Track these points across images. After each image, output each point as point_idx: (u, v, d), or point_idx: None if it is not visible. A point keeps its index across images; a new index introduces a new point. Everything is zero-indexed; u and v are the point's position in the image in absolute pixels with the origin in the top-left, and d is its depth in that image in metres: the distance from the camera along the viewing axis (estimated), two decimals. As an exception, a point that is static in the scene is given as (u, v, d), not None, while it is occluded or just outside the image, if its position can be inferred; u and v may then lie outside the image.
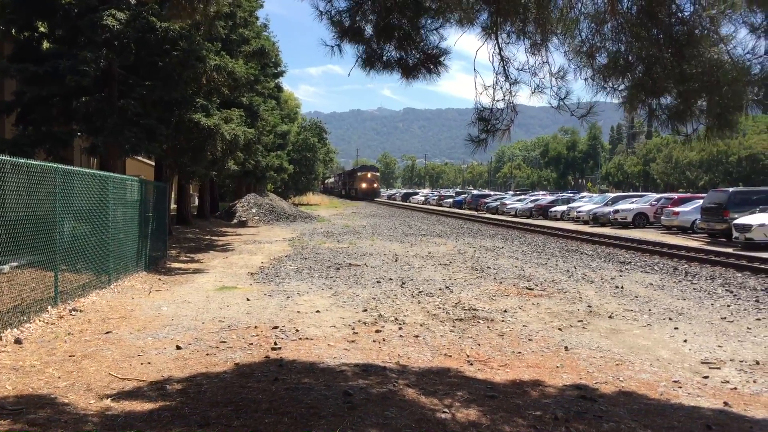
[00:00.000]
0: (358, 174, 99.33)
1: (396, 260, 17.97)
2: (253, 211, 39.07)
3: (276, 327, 9.28)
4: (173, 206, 32.12)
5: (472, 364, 7.51)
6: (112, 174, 13.61)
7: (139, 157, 35.28)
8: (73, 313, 9.93)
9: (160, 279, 14.41)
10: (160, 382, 6.53)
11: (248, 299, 11.71)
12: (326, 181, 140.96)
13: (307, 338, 8.67)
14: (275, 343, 8.27)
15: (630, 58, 5.86)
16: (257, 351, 7.94)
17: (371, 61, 6.99)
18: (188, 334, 8.79)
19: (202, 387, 6.38)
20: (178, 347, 8.01)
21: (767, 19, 5.24)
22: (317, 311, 10.58)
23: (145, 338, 8.54)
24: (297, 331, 9.08)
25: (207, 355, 7.71)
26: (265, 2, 33.63)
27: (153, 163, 28.86)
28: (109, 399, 5.97)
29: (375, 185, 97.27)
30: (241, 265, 17.25)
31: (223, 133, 19.88)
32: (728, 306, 11.37)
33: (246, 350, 7.97)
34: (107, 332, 8.81)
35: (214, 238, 26.87)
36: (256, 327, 9.31)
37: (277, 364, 7.32)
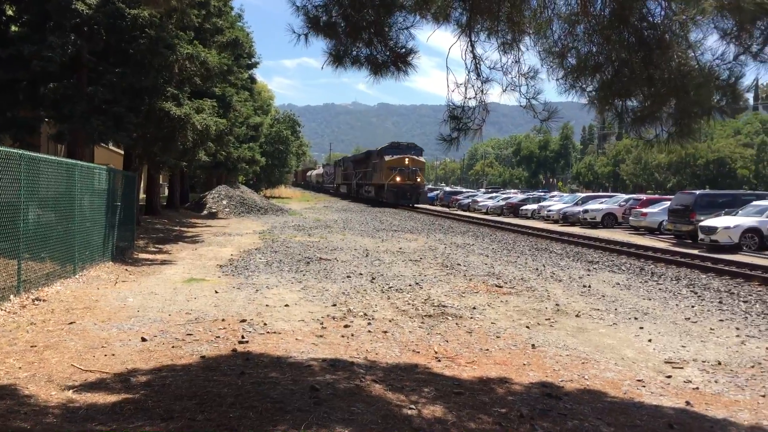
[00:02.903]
0: (387, 159, 52.63)
1: (366, 255, 17.96)
2: (224, 202, 38.75)
3: (244, 320, 9.22)
4: (142, 196, 31.73)
5: (439, 361, 7.54)
6: (79, 162, 13.37)
7: (108, 146, 34.77)
8: (36, 302, 9.75)
9: (126, 269, 14.22)
10: (123, 375, 6.44)
11: (216, 292, 11.61)
12: (309, 174, 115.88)
13: (275, 332, 8.62)
14: (243, 337, 8.21)
15: (600, 59, 5.91)
16: (224, 344, 7.88)
17: (340, 57, 6.97)
18: (154, 326, 8.69)
19: (166, 380, 6.30)
20: (144, 339, 7.92)
21: (737, 26, 5.32)
22: (286, 305, 10.53)
23: (109, 329, 8.42)
24: (265, 324, 9.02)
25: (173, 347, 7.63)
26: (241, -8, 33.36)
27: (122, 152, 28.44)
28: (71, 391, 5.87)
29: (418, 179, 52.71)
30: (210, 257, 17.09)
31: (194, 123, 19.66)
32: (692, 307, 11.57)
33: (213, 343, 7.90)
34: (71, 323, 8.67)
35: (183, 229, 26.58)
36: (223, 320, 9.23)
37: (244, 357, 7.27)
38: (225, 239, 22.39)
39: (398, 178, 51.64)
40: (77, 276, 12.34)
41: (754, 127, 79.61)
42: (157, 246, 19.45)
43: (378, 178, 55.05)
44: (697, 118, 5.39)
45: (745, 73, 5.61)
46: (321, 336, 8.53)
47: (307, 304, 10.77)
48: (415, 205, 51.92)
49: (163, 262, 15.76)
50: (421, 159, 54.92)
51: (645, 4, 5.18)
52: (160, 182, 37.08)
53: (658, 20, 5.27)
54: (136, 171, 24.13)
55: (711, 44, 5.47)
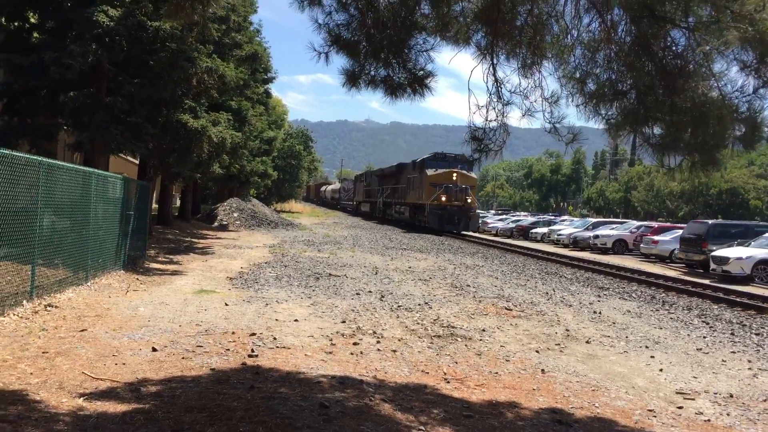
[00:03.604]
0: (430, 173, 42.15)
1: (376, 273, 17.94)
2: (235, 215, 38.89)
3: (254, 334, 9.22)
4: (155, 206, 31.89)
5: (448, 382, 7.50)
6: (95, 170, 13.48)
7: (123, 155, 35.03)
8: (49, 308, 9.79)
9: (138, 279, 14.27)
10: (134, 384, 6.45)
11: (226, 304, 11.62)
12: (324, 189, 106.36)
13: (284, 347, 8.61)
14: (252, 350, 8.21)
15: (622, 86, 5.94)
16: (234, 357, 7.88)
17: (355, 77, 7.03)
18: (165, 337, 8.70)
19: (176, 391, 6.30)
20: (154, 349, 7.93)
21: (758, 58, 5.34)
22: (295, 320, 10.52)
23: (120, 338, 8.44)
24: (275, 339, 9.02)
25: (183, 358, 7.63)
26: (259, 8, 33.75)
27: (137, 162, 28.65)
28: (82, 398, 5.88)
29: (469, 199, 41.79)
30: (220, 269, 17.13)
31: (210, 135, 19.79)
32: (704, 337, 11.48)
33: (222, 356, 7.90)
34: (82, 330, 8.69)
35: (194, 240, 26.67)
36: (233, 333, 9.24)
37: (254, 371, 7.27)
38: (235, 252, 22.45)
39: (443, 198, 40.67)
40: (89, 283, 12.40)
41: (767, 158, 79.30)
42: (168, 256, 19.52)
43: (415, 197, 44.51)
44: (718, 149, 5.39)
45: (765, 106, 5.63)
46: (330, 353, 8.52)
47: (317, 319, 10.76)
48: (466, 232, 42.22)
49: (174, 273, 15.81)
50: (473, 175, 43.65)
51: (668, 33, 5.21)
52: (173, 193, 37.29)
53: (681, 49, 5.29)
54: (151, 181, 24.28)
55: (732, 76, 5.50)
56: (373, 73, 7.10)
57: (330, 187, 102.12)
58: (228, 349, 8.24)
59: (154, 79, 17.81)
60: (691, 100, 5.23)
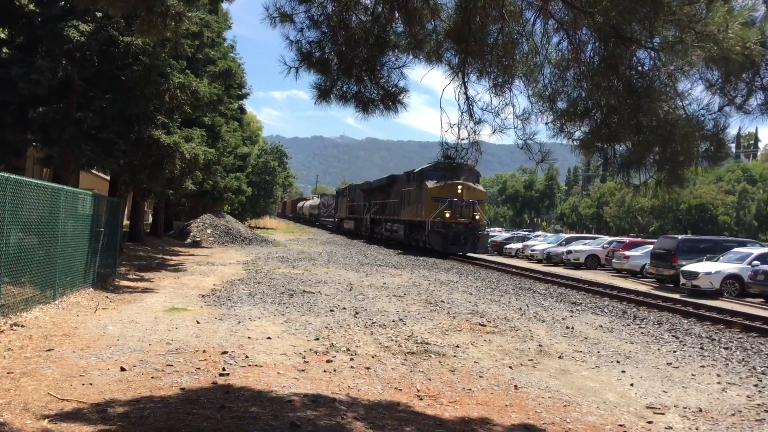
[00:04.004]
0: (431, 185, 35.23)
1: (350, 289, 17.89)
2: (208, 231, 38.58)
3: (225, 352, 9.12)
4: (126, 222, 31.52)
5: (422, 399, 7.48)
6: (65, 187, 13.29)
7: (93, 171, 34.62)
8: (15, 328, 9.59)
9: (107, 297, 14.06)
10: (101, 405, 6.33)
11: (198, 322, 11.49)
12: (301, 205, 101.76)
13: (256, 365, 8.53)
14: (223, 369, 8.11)
15: (589, 105, 6.02)
16: (204, 376, 7.78)
17: (327, 92, 7.04)
18: (134, 356, 8.57)
19: (145, 411, 6.20)
20: (123, 369, 7.80)
21: (723, 77, 5.46)
22: (268, 338, 10.43)
23: (88, 358, 8.30)
24: (247, 357, 8.93)
25: (152, 378, 7.51)
26: (234, 24, 33.73)
27: (108, 178, 28.34)
28: (47, 420, 5.76)
29: (477, 215, 36.26)
30: (192, 286, 16.95)
31: (182, 151, 19.66)
32: (674, 352, 11.60)
33: (193, 375, 7.79)
34: (49, 350, 8.52)
35: (166, 257, 26.38)
36: (204, 351, 9.12)
37: (225, 390, 7.18)
38: (208, 268, 22.24)
39: (448, 214, 35.19)
40: (57, 302, 12.18)
41: (735, 174, 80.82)
42: (138, 273, 19.27)
43: (412, 213, 38.98)
44: (684, 166, 5.49)
45: (730, 123, 5.75)
46: (303, 370, 8.45)
47: (290, 337, 10.68)
48: (473, 254, 36.50)
49: (145, 290, 15.60)
50: (480, 188, 38.28)
51: (634, 53, 5.31)
52: (145, 209, 36.90)
53: (647, 69, 5.39)
54: (122, 197, 24.01)
55: (697, 95, 5.61)
56: (344, 88, 7.11)
57: (308, 203, 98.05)
58: (199, 368, 8.14)
59: (126, 95, 17.69)
60: (656, 118, 5.33)
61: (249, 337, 10.35)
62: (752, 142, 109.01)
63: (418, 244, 38.57)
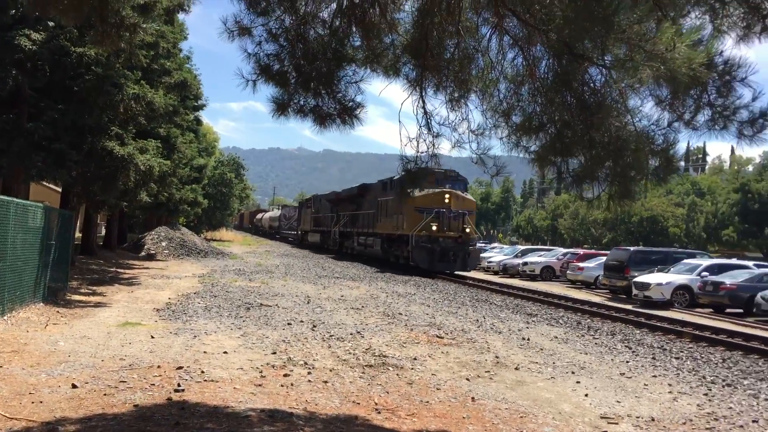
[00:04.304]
0: (414, 195, 10.35)
1: (308, 302, 17.79)
2: (163, 244, 37.94)
3: (180, 367, 8.97)
4: (78, 235, 30.81)
5: (379, 413, 7.47)
6: (14, 199, 12.94)
7: (44, 183, 33.81)
8: (-41, 345, 9.28)
9: (58, 312, 13.70)
10: (51, 423, 6.16)
11: (152, 337, 11.28)
12: (260, 217, 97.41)
13: (212, 380, 8.41)
14: (179, 385, 7.98)
15: (544, 119, 6.15)
16: (159, 392, 7.63)
17: (285, 106, 7.03)
18: (86, 372, 8.37)
19: (97, 429, 6.06)
20: (74, 386, 7.61)
21: (671, 94, 5.63)
22: (225, 352, 10.30)
23: (38, 375, 8.07)
24: (202, 372, 8.80)
25: (105, 395, 7.35)
26: (190, 35, 33.45)
27: (59, 190, 27.69)
28: (-7, 441, 5.58)
29: (467, 228, 32.09)
30: (146, 300, 16.63)
31: (137, 163, 19.33)
32: (627, 362, 11.83)
33: (147, 391, 7.64)
34: (-4, 367, 8.27)
35: (119, 270, 25.85)
36: (159, 367, 8.96)
37: (180, 407, 7.06)
38: (163, 282, 21.86)
39: (434, 227, 31.39)
40: (5, 317, 11.82)
41: (685, 187, 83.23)
42: (91, 287, 18.84)
43: (391, 226, 34.67)
44: (635, 181, 5.65)
45: (679, 139, 5.94)
46: (260, 385, 8.37)
47: (247, 351, 10.57)
48: (462, 271, 32.68)
49: (98, 305, 15.26)
50: (470, 197, 34.70)
51: (587, 70, 5.44)
52: (98, 221, 36.13)
53: (599, 86, 5.53)
54: (74, 209, 23.47)
55: (648, 111, 5.78)
56: (302, 102, 7.11)
57: (267, 215, 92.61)
58: (153, 384, 7.99)
59: (79, 105, 17.35)
60: (608, 134, 5.47)
61: (205, 352, 10.21)
62: (701, 156, 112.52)
63: (398, 261, 34.48)
